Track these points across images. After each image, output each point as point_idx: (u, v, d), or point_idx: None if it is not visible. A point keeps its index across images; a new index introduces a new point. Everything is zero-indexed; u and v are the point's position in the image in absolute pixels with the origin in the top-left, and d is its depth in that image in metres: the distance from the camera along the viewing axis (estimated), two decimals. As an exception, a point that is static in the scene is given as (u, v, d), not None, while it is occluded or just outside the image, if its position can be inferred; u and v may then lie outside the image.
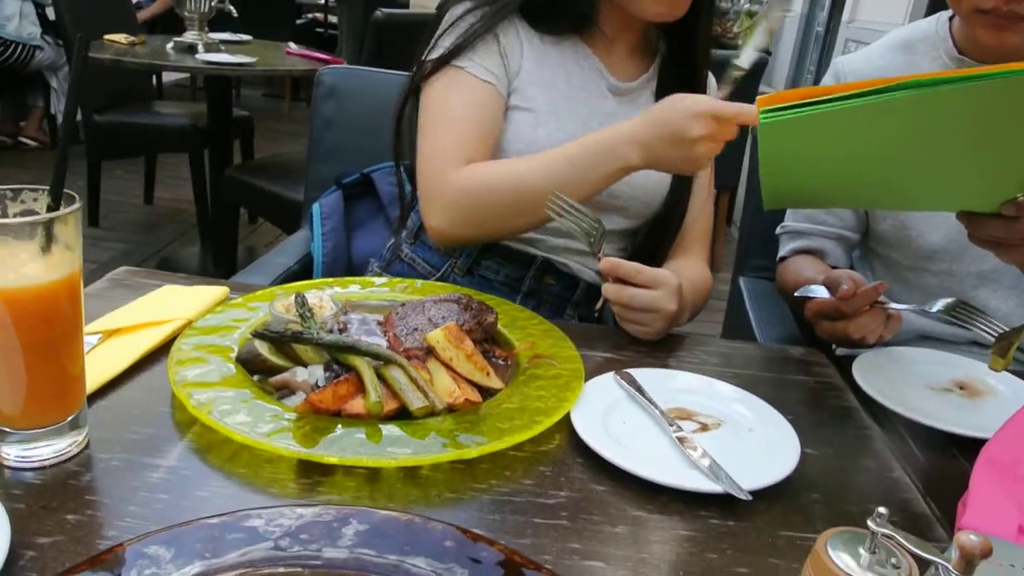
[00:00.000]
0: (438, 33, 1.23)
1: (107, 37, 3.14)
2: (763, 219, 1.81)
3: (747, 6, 5.27)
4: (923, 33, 1.30)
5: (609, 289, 1.02)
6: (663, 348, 1.05)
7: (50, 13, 4.56)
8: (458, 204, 1.14)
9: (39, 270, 0.65)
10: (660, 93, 1.29)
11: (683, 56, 1.30)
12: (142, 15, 5.29)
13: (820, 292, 1.10)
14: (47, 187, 0.68)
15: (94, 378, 0.81)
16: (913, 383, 1.02)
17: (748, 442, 0.83)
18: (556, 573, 0.57)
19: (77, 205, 0.67)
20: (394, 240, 1.38)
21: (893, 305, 1.06)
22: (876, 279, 1.42)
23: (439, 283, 1.18)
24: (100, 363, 0.84)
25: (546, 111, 1.21)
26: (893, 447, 0.89)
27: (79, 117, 4.22)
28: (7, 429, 0.69)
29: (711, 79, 1.35)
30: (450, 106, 1.19)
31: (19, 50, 4.59)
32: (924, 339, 1.34)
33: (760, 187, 0.96)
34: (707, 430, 0.84)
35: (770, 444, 0.82)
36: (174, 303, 0.97)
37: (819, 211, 1.41)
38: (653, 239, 1.31)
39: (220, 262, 3.20)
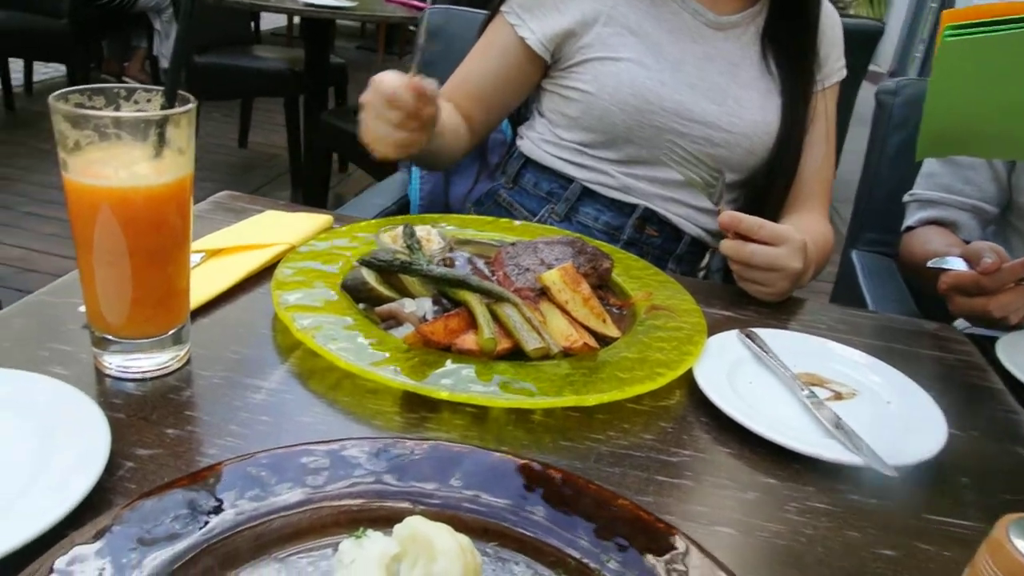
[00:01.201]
0: None
1: (212, -24, 3.14)
2: (881, 191, 1.70)
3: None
4: None
5: (728, 245, 0.95)
6: (786, 310, 0.97)
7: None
8: None
9: (150, 171, 0.61)
10: (768, 28, 1.19)
11: None
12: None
13: (957, 264, 1.00)
14: (162, 87, 0.64)
15: (197, 296, 0.78)
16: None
17: (887, 416, 0.75)
18: (691, 538, 0.51)
19: (191, 105, 0.63)
20: (492, 184, 1.32)
21: None
22: (1014, 257, 1.31)
23: (547, 226, 1.12)
24: (203, 281, 0.81)
25: (631, 58, 1.14)
26: (1045, 435, 0.80)
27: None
28: (110, 338, 0.66)
29: (827, 5, 1.24)
30: (476, 48, 1.23)
31: (125, -10, 4.67)
32: None
33: (920, 129, 0.88)
34: (841, 399, 0.77)
35: (912, 420, 0.74)
36: (277, 228, 0.94)
37: (955, 179, 1.30)
38: (765, 191, 1.21)
39: (311, 206, 3.20)
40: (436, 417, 0.66)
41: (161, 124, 0.61)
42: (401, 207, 1.50)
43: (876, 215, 1.71)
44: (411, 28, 5.79)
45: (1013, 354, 0.92)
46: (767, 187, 1.20)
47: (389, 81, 0.92)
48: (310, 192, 3.24)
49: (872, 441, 0.67)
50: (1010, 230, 1.32)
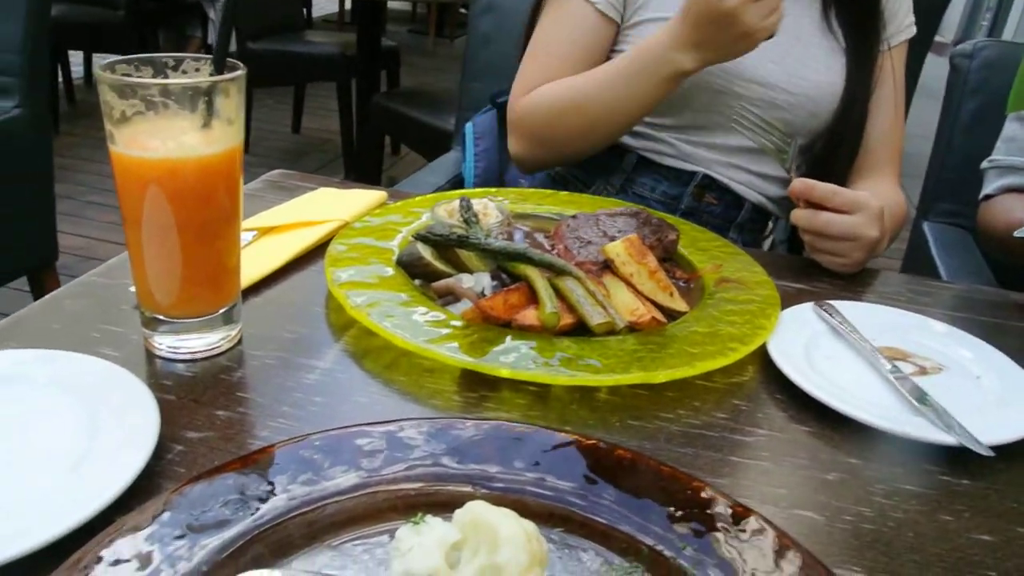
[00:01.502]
0: None
1: (263, -39, 3.15)
2: (954, 159, 1.62)
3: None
4: None
5: (800, 215, 0.90)
6: (861, 282, 0.92)
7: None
8: (525, 127, 1.13)
9: (199, 141, 0.59)
10: None
11: None
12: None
13: None
14: (210, 56, 0.62)
15: (248, 274, 0.76)
16: None
17: (978, 391, 0.70)
18: (771, 522, 0.47)
19: (240, 72, 0.61)
20: None
21: None
22: None
23: (608, 198, 1.08)
24: (254, 260, 0.79)
25: None
26: None
27: (233, 47, 4.31)
28: (160, 317, 0.64)
29: None
30: (547, 34, 1.16)
31: (181, -21, 4.71)
32: None
33: (1017, 78, 0.81)
34: (926, 374, 0.72)
35: (1006, 394, 0.69)
36: (330, 204, 0.92)
37: None
38: (831, 156, 1.15)
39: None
40: (497, 396, 0.63)
41: (209, 92, 0.59)
42: (455, 185, 1.48)
43: (949, 185, 1.63)
44: (462, 10, 5.75)
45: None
46: (832, 152, 1.14)
47: None
48: (363, 175, 3.24)
49: (963, 418, 0.63)
50: None
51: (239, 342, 0.68)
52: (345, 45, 3.55)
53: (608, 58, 1.18)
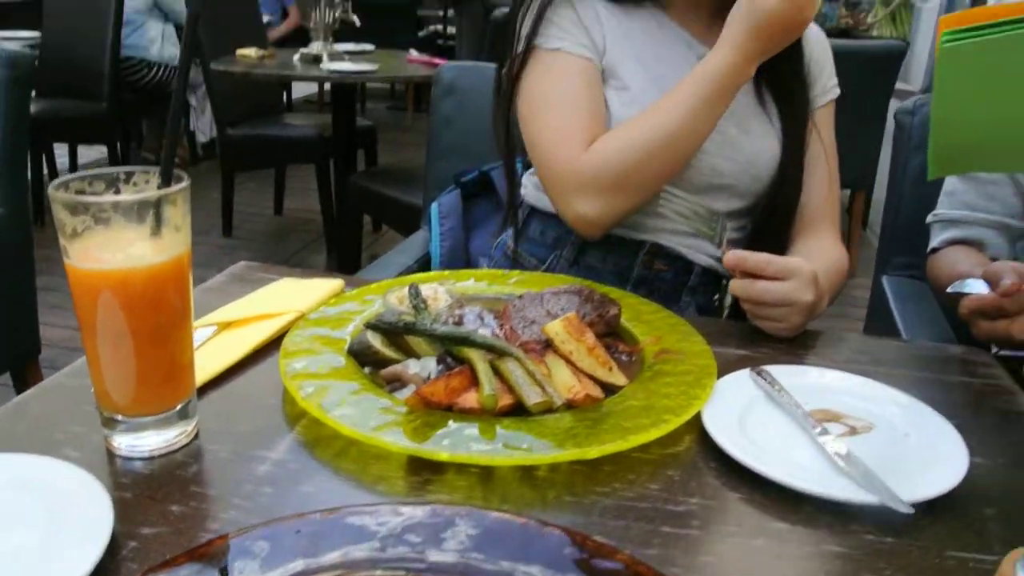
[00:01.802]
0: (518, 24, 1.19)
1: (238, 52, 3.25)
2: (907, 212, 1.67)
3: (882, -7, 5.00)
4: None
5: (737, 285, 0.94)
6: (802, 345, 0.95)
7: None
8: (601, 182, 1.08)
9: (148, 251, 0.63)
10: None
11: None
12: (273, 34, 5.48)
13: (978, 287, 0.98)
14: (157, 168, 0.66)
15: (207, 369, 0.79)
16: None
17: (905, 448, 0.73)
18: (689, 587, 0.50)
19: (185, 183, 0.65)
20: (501, 237, 1.33)
21: None
22: None
23: (557, 275, 1.12)
24: (213, 355, 0.82)
25: (639, 88, 1.14)
26: (1077, 460, 0.77)
27: (214, 133, 4.41)
28: (118, 417, 0.67)
29: (812, 27, 1.24)
30: (555, 91, 1.14)
31: (162, 71, 4.83)
32: None
33: (929, 146, 0.86)
34: (856, 434, 0.75)
35: (932, 451, 0.72)
36: (289, 296, 0.96)
37: (978, 196, 1.27)
38: (772, 218, 1.20)
39: (344, 268, 3.26)
40: (440, 479, 0.66)
41: (157, 204, 0.63)
42: (423, 264, 1.52)
43: (904, 238, 1.68)
44: (438, 85, 5.91)
45: (1043, 376, 0.89)
46: (774, 212, 1.19)
47: None
48: (344, 254, 3.29)
49: (888, 476, 0.66)
50: None
51: (196, 436, 0.71)
52: (322, 127, 3.64)
53: None
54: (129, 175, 0.67)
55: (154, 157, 5.33)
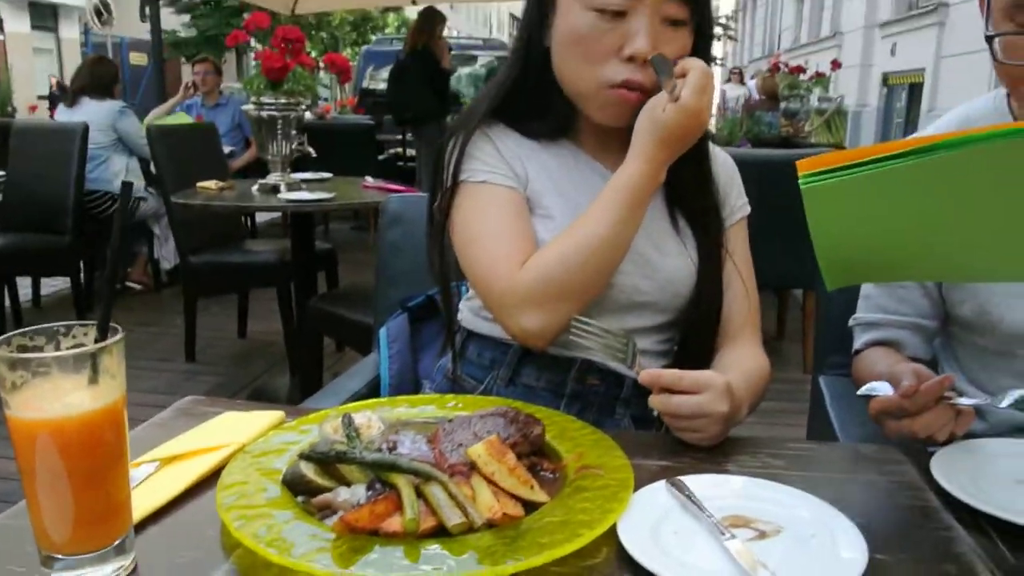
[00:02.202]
0: (444, 160, 1.26)
1: (199, 184, 3.36)
2: (838, 313, 1.74)
3: (816, 104, 5.29)
4: (981, 110, 1.27)
5: (655, 400, 1.00)
6: (723, 452, 1.01)
7: (153, 168, 4.93)
8: (540, 295, 1.12)
9: (85, 399, 0.68)
10: (667, 183, 1.22)
11: None
12: (235, 164, 5.64)
13: (884, 389, 1.04)
14: (95, 322, 0.72)
15: (147, 504, 0.83)
16: (1000, 478, 0.95)
17: (809, 549, 0.78)
18: None
19: (119, 336, 0.70)
20: (441, 360, 1.39)
21: (961, 400, 1.00)
22: (961, 367, 1.34)
23: (487, 397, 1.18)
24: (154, 489, 0.86)
25: (561, 217, 1.22)
26: (979, 549, 0.81)
27: (176, 261, 4.47)
28: (56, 556, 0.70)
29: (717, 151, 1.35)
30: (485, 219, 1.20)
31: (126, 202, 4.94)
32: (1022, 431, 1.25)
33: (818, 263, 0.93)
34: (765, 537, 0.80)
35: (834, 550, 0.77)
36: (230, 429, 1.00)
37: (890, 300, 1.35)
38: (694, 331, 1.28)
39: (307, 390, 3.28)
40: (366, 602, 0.69)
41: (94, 356, 0.68)
42: (372, 388, 1.56)
43: (836, 337, 1.75)
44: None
45: (947, 468, 0.95)
46: (696, 326, 1.27)
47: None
48: (306, 376, 3.32)
49: (791, 577, 0.70)
50: (955, 341, 1.37)
51: (133, 570, 0.74)
52: (283, 251, 3.73)
53: None
54: (68, 328, 0.72)
55: (119, 285, 5.38)
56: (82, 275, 4.64)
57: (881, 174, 0.81)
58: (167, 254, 5.27)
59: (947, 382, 0.98)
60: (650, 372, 0.99)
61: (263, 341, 4.42)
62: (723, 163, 1.34)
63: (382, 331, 1.57)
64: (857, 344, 1.42)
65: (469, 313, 1.33)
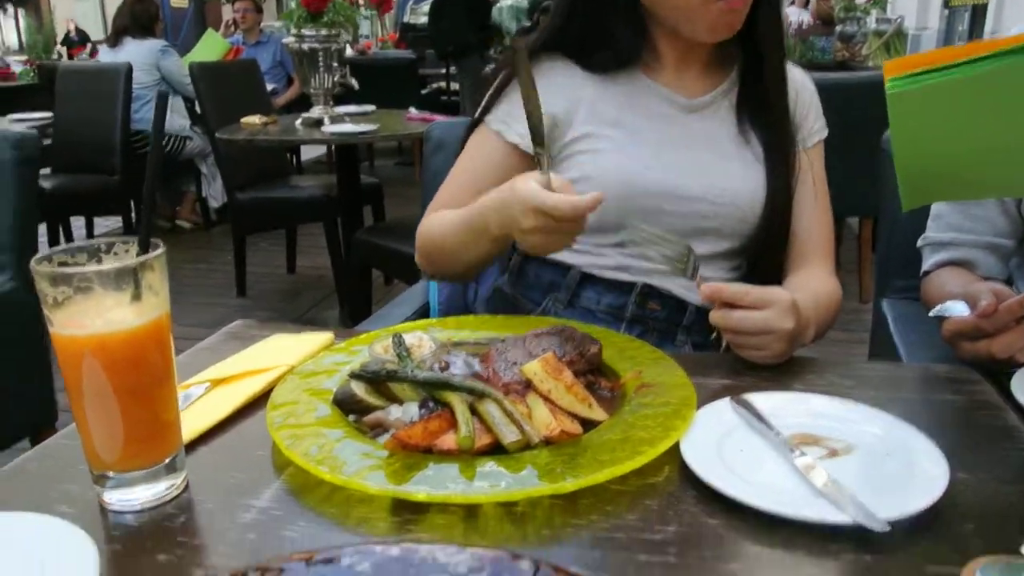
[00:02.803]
0: (488, 92, 1.25)
1: (243, 120, 3.34)
2: (904, 234, 1.68)
3: (875, 26, 5.05)
4: None
5: (715, 316, 0.96)
6: (787, 372, 0.96)
7: (198, 107, 4.93)
8: (419, 246, 1.23)
9: (128, 315, 0.66)
10: (741, 101, 1.22)
11: (759, 62, 1.21)
12: (278, 102, 5.61)
13: (959, 309, 0.98)
14: (136, 238, 0.69)
15: (196, 426, 0.81)
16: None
17: (886, 467, 0.73)
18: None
19: (161, 251, 0.68)
20: (497, 280, 1.35)
21: None
22: None
23: (543, 317, 1.14)
24: (204, 411, 0.85)
25: (612, 148, 1.18)
26: (1065, 470, 0.77)
27: (224, 199, 4.50)
28: (107, 474, 0.69)
29: (797, 72, 1.28)
30: (461, 161, 1.26)
31: (172, 141, 4.95)
32: None
33: (898, 181, 0.87)
34: (836, 456, 0.76)
35: (912, 469, 0.72)
36: (280, 351, 0.98)
37: (964, 219, 1.28)
38: (765, 256, 1.23)
39: (357, 321, 3.28)
40: (421, 519, 0.67)
41: (136, 271, 0.66)
42: (422, 315, 1.54)
43: (901, 261, 1.69)
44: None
45: (1030, 387, 0.89)
46: (764, 250, 1.21)
47: (561, 208, 0.91)
48: (355, 309, 3.32)
49: (867, 496, 0.66)
50: None
51: (186, 489, 0.73)
52: (329, 187, 3.71)
53: None
54: (110, 246, 0.70)
55: (168, 224, 5.44)
56: (133, 214, 4.68)
57: (972, 78, 0.74)
58: (215, 193, 5.30)
59: None
60: (712, 285, 0.94)
61: (312, 276, 4.44)
62: (802, 84, 1.27)
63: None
64: (926, 265, 1.35)
65: None
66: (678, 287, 1.21)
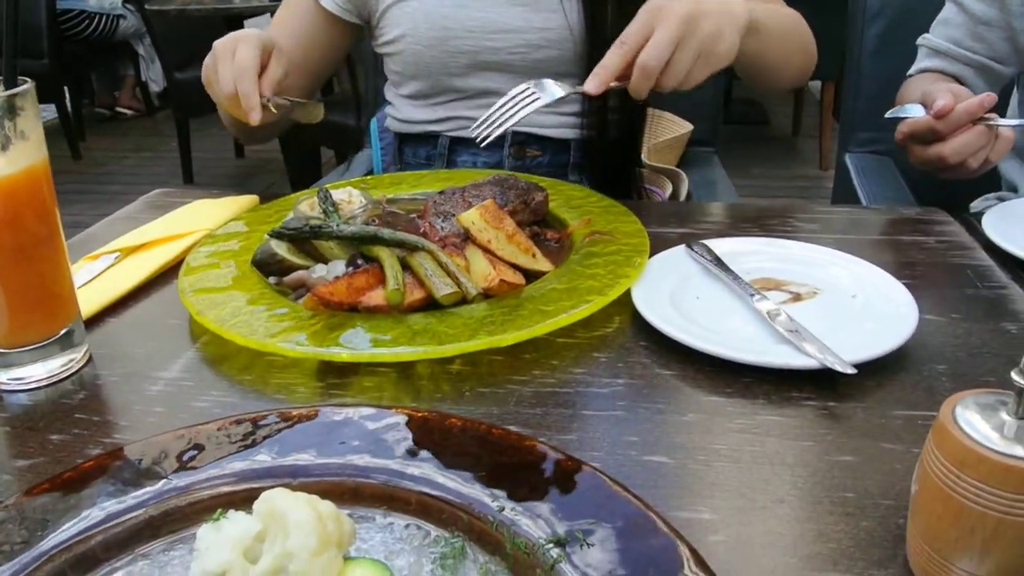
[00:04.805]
0: None
1: (172, -11, 3.12)
2: (865, 87, 1.60)
3: None
4: None
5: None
6: (747, 218, 0.90)
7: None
8: None
9: (-7, 164, 0.57)
10: None
11: None
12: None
13: (915, 111, 0.91)
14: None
15: (105, 296, 0.74)
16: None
17: (851, 310, 0.68)
18: (600, 470, 0.45)
19: (29, 86, 0.58)
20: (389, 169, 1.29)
21: (1002, 121, 0.87)
22: None
23: (485, 171, 1.05)
24: (113, 281, 0.77)
25: None
26: (1038, 307, 0.72)
27: (165, 83, 4.26)
28: (-5, 350, 0.62)
29: None
30: (278, 13, 1.17)
31: (103, 21, 4.64)
32: None
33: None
34: (800, 300, 0.70)
35: (880, 311, 0.67)
36: (199, 216, 0.89)
37: (966, 35, 1.19)
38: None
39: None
40: (346, 383, 0.61)
41: (-1, 112, 0.56)
42: (366, 181, 1.45)
43: (865, 113, 1.62)
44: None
45: (1000, 224, 0.84)
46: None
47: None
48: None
49: (833, 339, 0.61)
50: None
51: (87, 364, 0.66)
52: (272, 62, 3.51)
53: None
54: (-26, 87, 0.60)
55: (109, 112, 5.19)
56: (68, 101, 4.44)
57: None
58: (154, 75, 5.03)
59: (988, 101, 0.85)
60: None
61: (262, 159, 4.28)
62: None
63: (373, 122, 1.44)
64: (914, 68, 1.26)
65: (391, 117, 1.22)
66: (548, 127, 1.11)
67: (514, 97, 0.78)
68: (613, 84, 0.76)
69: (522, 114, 0.77)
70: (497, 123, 0.78)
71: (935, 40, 1.22)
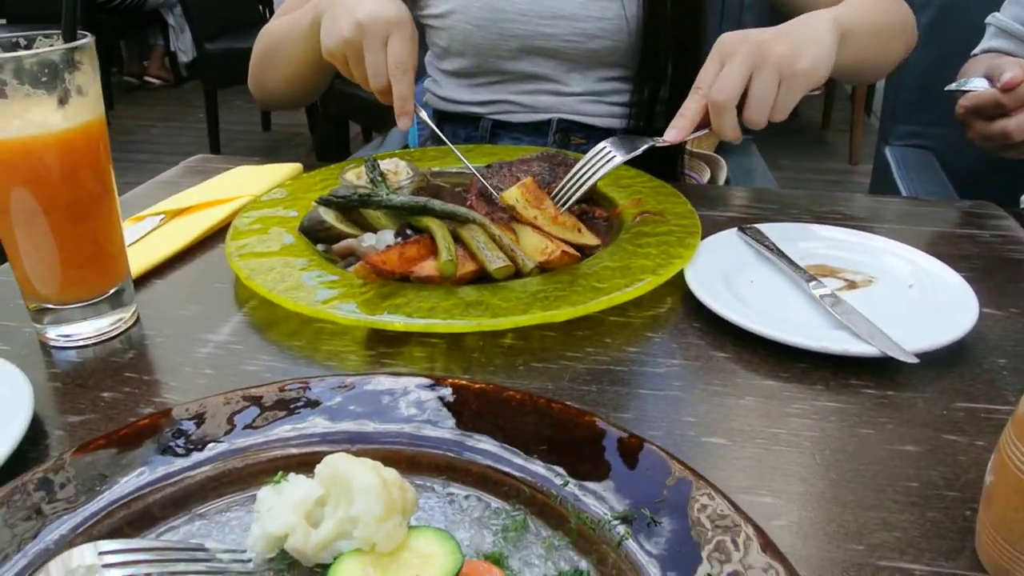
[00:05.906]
0: None
1: (208, -42, 3.10)
2: (908, 79, 1.58)
3: None
4: None
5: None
6: (796, 205, 0.89)
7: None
8: (252, 60, 1.11)
9: (51, 117, 0.56)
10: None
11: None
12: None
13: (979, 84, 0.88)
14: (59, 31, 0.59)
15: (150, 257, 0.73)
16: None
17: (909, 300, 0.67)
18: (664, 449, 0.44)
19: (88, 41, 0.58)
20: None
21: None
22: None
23: (531, 147, 1.04)
24: (159, 242, 0.76)
25: None
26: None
27: (194, 53, 4.25)
28: (46, 306, 0.61)
29: None
30: None
31: (135, -11, 4.66)
32: None
33: None
34: (856, 287, 0.69)
35: (938, 301, 0.66)
36: (243, 182, 0.89)
37: None
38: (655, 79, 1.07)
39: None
40: (396, 352, 0.60)
41: (57, 65, 0.56)
42: (402, 157, 1.44)
43: (907, 106, 1.59)
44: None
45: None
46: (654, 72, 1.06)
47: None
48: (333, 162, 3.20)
49: (891, 328, 0.60)
50: None
51: (135, 324, 0.65)
52: (303, 35, 3.50)
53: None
54: (31, 40, 0.59)
55: (137, 81, 5.20)
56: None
57: None
58: (184, 46, 5.04)
59: None
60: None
61: (289, 132, 4.29)
62: None
63: (410, 96, 1.43)
64: (979, 47, 1.22)
65: (432, 95, 1.20)
66: (593, 116, 1.10)
67: (590, 160, 0.77)
68: (696, 133, 0.75)
69: (599, 175, 0.76)
70: (576, 187, 0.76)
71: (1004, 20, 1.18)
